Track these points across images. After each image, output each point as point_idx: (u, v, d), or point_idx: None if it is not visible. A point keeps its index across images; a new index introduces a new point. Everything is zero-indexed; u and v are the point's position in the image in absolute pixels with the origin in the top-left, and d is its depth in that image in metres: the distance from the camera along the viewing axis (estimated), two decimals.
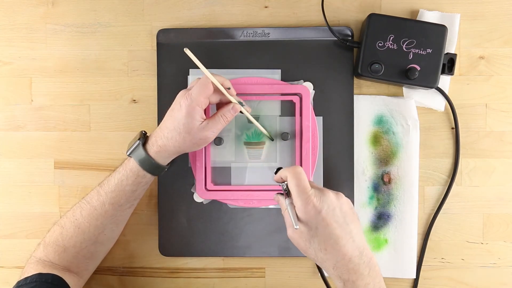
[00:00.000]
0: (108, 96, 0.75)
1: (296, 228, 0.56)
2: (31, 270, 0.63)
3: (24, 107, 0.75)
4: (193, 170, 0.72)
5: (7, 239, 0.75)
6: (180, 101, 0.62)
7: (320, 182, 0.72)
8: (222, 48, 0.73)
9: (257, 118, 0.72)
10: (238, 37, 0.73)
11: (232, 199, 0.72)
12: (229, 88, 0.65)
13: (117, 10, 0.74)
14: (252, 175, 0.72)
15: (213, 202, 0.73)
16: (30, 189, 0.75)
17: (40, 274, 0.62)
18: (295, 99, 0.71)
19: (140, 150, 0.63)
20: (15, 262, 0.75)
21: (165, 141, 0.63)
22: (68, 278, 0.63)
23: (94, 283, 0.75)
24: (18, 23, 0.75)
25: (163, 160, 0.65)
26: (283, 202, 0.59)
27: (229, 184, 0.73)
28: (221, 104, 0.66)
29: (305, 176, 0.58)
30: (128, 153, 0.65)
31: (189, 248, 0.73)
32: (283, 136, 0.71)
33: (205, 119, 0.64)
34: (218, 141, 0.72)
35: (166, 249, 0.74)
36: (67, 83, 0.75)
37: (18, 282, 0.62)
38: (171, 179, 0.73)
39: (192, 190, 0.73)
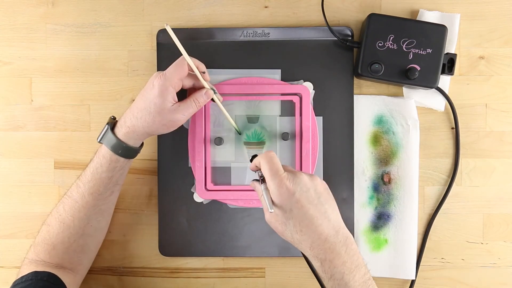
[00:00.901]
0: (108, 96, 0.75)
1: (271, 212, 0.56)
2: (26, 270, 0.63)
3: (24, 107, 0.75)
4: (193, 170, 0.72)
5: (7, 239, 0.75)
6: (153, 81, 0.63)
7: None
8: (222, 48, 0.73)
9: (257, 118, 0.72)
10: (238, 37, 0.73)
11: (232, 199, 0.72)
12: (203, 73, 0.65)
13: (117, 10, 0.75)
14: (252, 175, 0.72)
15: (213, 202, 0.73)
16: (30, 189, 0.75)
17: (35, 272, 0.62)
18: (295, 99, 0.71)
19: (109, 135, 0.63)
20: (15, 262, 0.75)
21: (134, 121, 0.63)
22: (63, 275, 0.63)
23: (94, 283, 0.75)
24: (18, 23, 0.75)
25: (133, 141, 0.64)
26: (259, 187, 0.58)
27: (229, 184, 0.73)
28: (194, 90, 0.66)
29: (277, 160, 0.57)
30: (98, 140, 0.64)
31: (189, 248, 0.73)
32: (283, 136, 0.71)
33: (176, 102, 0.63)
34: (218, 141, 0.72)
35: (166, 249, 0.74)
36: (67, 83, 0.75)
37: (14, 282, 0.62)
38: (171, 179, 0.73)
39: (192, 190, 0.73)
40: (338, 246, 0.55)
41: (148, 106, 0.62)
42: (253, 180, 0.61)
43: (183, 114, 0.64)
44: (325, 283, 0.56)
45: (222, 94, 0.71)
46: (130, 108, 0.64)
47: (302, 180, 0.56)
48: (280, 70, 0.72)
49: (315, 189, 0.57)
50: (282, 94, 0.72)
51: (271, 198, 0.56)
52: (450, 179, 0.73)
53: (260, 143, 0.72)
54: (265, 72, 0.72)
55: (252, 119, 0.72)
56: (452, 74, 0.70)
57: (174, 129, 0.65)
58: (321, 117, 0.72)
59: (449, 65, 0.70)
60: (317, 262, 0.56)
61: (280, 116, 0.73)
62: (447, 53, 0.70)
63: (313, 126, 0.71)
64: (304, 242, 0.56)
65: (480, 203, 0.74)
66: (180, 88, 0.64)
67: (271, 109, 0.72)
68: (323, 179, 0.72)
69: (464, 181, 0.74)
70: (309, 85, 0.72)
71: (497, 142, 0.73)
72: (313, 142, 0.71)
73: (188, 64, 0.63)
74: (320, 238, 0.55)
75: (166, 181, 0.73)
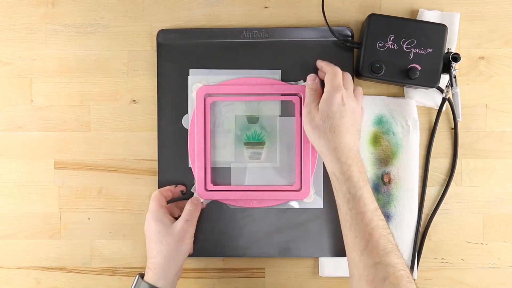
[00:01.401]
0: (108, 96, 0.75)
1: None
2: None
3: (24, 107, 0.75)
4: (193, 170, 0.72)
5: (7, 239, 0.75)
6: (145, 222, 0.68)
7: (320, 183, 0.72)
8: (222, 48, 0.73)
9: (257, 119, 0.72)
10: (238, 38, 0.73)
11: (232, 199, 0.72)
12: (182, 191, 0.72)
13: (117, 10, 0.74)
14: (252, 176, 0.72)
15: (213, 202, 0.73)
16: (30, 189, 0.75)
17: None
18: (295, 99, 0.71)
19: (140, 282, 0.65)
20: (15, 262, 0.76)
21: (155, 260, 0.66)
22: None
23: (94, 283, 0.75)
24: (18, 23, 0.75)
25: (165, 282, 0.65)
26: (311, 82, 0.68)
27: (229, 184, 0.73)
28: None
29: (341, 75, 0.67)
30: None
31: None
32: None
33: (174, 217, 0.69)
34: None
35: None
36: (67, 83, 0.75)
37: None
38: (171, 179, 0.73)
39: (192, 190, 0.73)
40: (357, 159, 0.64)
41: (156, 238, 0.66)
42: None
43: (184, 219, 0.67)
44: (341, 185, 0.63)
45: (222, 95, 0.71)
46: (147, 256, 0.67)
47: (353, 100, 0.66)
48: (280, 70, 0.72)
49: (357, 112, 0.66)
50: (282, 95, 0.72)
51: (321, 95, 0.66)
52: (448, 179, 0.73)
53: (260, 143, 0.72)
54: (265, 72, 0.72)
55: (252, 120, 0.72)
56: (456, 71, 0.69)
57: (191, 240, 0.68)
58: None
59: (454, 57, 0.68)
60: (338, 163, 0.63)
61: (280, 116, 0.73)
62: (447, 52, 0.70)
63: None
64: (331, 143, 0.63)
65: (480, 204, 0.74)
66: (166, 204, 0.69)
67: (271, 109, 0.72)
68: (323, 179, 0.72)
69: (464, 182, 0.74)
70: None
71: (497, 142, 0.73)
72: None
73: (169, 189, 0.70)
74: (346, 145, 0.63)
75: (166, 181, 0.73)
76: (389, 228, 0.61)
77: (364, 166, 0.64)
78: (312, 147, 0.71)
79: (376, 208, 0.61)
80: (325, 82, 0.66)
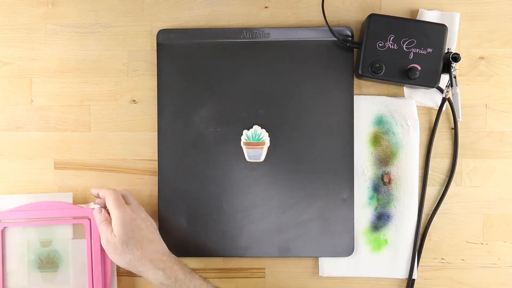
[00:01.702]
0: (108, 96, 0.75)
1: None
2: None
3: (24, 107, 0.75)
4: None
5: None
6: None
7: (320, 183, 0.72)
8: (222, 48, 0.73)
9: (50, 242, 0.73)
10: (238, 38, 0.73)
11: None
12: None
13: (117, 10, 0.74)
14: None
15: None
16: (30, 189, 0.75)
17: None
18: (85, 222, 0.72)
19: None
20: None
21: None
22: None
23: None
24: (18, 23, 0.75)
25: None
26: (100, 216, 0.68)
27: None
28: None
29: (118, 193, 0.68)
30: None
31: (189, 248, 0.73)
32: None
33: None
34: None
35: None
36: (67, 83, 0.75)
37: None
38: (171, 179, 0.73)
39: None
40: (173, 259, 0.67)
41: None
42: (94, 208, 0.69)
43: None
44: None
45: (14, 220, 0.72)
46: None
47: (141, 210, 0.69)
48: (72, 193, 0.74)
49: (148, 219, 0.69)
50: (74, 218, 0.72)
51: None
52: (448, 179, 0.73)
53: (260, 143, 0.72)
54: (57, 196, 0.74)
55: (45, 243, 0.73)
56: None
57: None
58: None
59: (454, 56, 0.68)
60: (160, 272, 0.65)
61: (72, 239, 0.73)
62: (447, 52, 0.70)
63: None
64: (145, 258, 0.65)
65: (480, 204, 0.74)
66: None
67: (63, 232, 0.73)
68: (323, 180, 0.72)
69: (464, 182, 0.74)
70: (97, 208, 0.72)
71: (497, 142, 0.73)
72: (105, 264, 0.72)
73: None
74: (158, 252, 0.66)
75: (166, 181, 0.73)
76: None
77: (180, 260, 0.67)
78: (105, 268, 0.72)
79: None
80: (109, 206, 0.67)
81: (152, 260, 0.65)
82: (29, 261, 0.73)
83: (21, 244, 0.73)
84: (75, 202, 0.74)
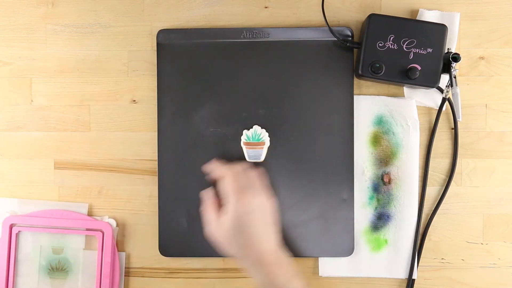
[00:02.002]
0: (108, 96, 0.75)
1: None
2: None
3: (24, 107, 0.75)
4: None
5: None
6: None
7: (320, 183, 0.72)
8: (222, 48, 0.73)
9: (61, 250, 0.74)
10: (238, 38, 0.73)
11: None
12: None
13: (117, 10, 0.75)
14: None
15: None
16: (30, 189, 0.75)
17: None
18: (98, 235, 0.73)
19: None
20: None
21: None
22: None
23: None
24: (18, 23, 0.75)
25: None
26: (210, 196, 0.66)
27: None
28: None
29: (242, 178, 0.64)
30: None
31: (189, 248, 0.73)
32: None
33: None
34: None
35: (166, 249, 0.74)
36: (67, 83, 0.75)
37: None
38: (171, 179, 0.73)
39: None
40: (279, 260, 0.62)
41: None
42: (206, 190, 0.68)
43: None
44: None
45: (28, 226, 0.73)
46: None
47: (260, 200, 0.64)
48: (87, 204, 0.74)
49: (267, 211, 0.64)
50: (87, 229, 0.73)
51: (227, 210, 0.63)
52: (448, 179, 0.73)
53: (260, 143, 0.72)
54: (72, 205, 0.74)
55: (57, 251, 0.74)
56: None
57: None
58: (124, 252, 0.74)
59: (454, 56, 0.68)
60: (260, 274, 0.62)
61: (84, 249, 0.74)
62: (447, 52, 0.70)
63: (114, 262, 0.73)
64: (249, 258, 0.62)
65: (480, 204, 0.74)
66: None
67: (75, 242, 0.74)
68: (323, 180, 0.72)
69: (464, 182, 0.74)
70: (112, 222, 0.74)
71: (497, 142, 0.73)
72: (114, 278, 0.73)
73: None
74: (264, 253, 0.62)
75: (166, 181, 0.73)
76: None
77: (288, 260, 0.63)
78: (113, 281, 0.73)
79: None
80: (224, 190, 0.64)
81: (255, 262, 0.62)
82: (40, 266, 0.74)
83: (33, 249, 0.74)
84: (76, 200, 0.74)
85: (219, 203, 0.66)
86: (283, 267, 0.62)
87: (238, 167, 0.66)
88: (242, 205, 0.62)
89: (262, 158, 0.72)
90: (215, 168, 0.67)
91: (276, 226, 0.65)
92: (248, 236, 0.62)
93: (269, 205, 0.65)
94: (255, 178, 0.66)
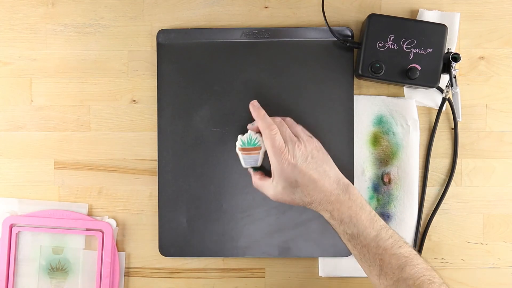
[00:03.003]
0: (108, 96, 0.75)
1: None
2: None
3: (24, 107, 0.75)
4: None
5: None
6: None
7: None
8: (222, 48, 0.73)
9: (61, 250, 0.74)
10: (238, 38, 0.73)
11: None
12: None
13: (117, 10, 0.74)
14: None
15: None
16: (30, 189, 0.75)
17: None
18: (98, 235, 0.73)
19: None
20: None
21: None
22: None
23: None
24: (18, 23, 0.75)
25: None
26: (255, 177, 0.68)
27: None
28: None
29: (279, 136, 0.64)
30: None
31: (189, 248, 0.73)
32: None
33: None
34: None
35: (166, 249, 0.74)
36: (67, 83, 0.75)
37: None
38: (171, 179, 0.73)
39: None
40: (342, 195, 0.63)
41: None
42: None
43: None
44: (337, 229, 0.64)
45: (28, 226, 0.73)
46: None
47: (300, 150, 0.64)
48: (87, 204, 0.74)
49: (312, 155, 0.65)
50: (87, 229, 0.74)
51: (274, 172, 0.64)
52: (448, 179, 0.73)
53: (256, 148, 0.70)
54: (72, 205, 0.74)
55: (57, 251, 0.74)
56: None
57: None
58: (124, 252, 0.74)
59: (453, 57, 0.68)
60: (327, 213, 0.64)
61: (84, 249, 0.74)
62: (447, 52, 0.70)
63: (114, 262, 0.73)
64: (314, 202, 0.64)
65: (480, 204, 0.74)
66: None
67: (76, 242, 0.74)
68: None
69: (464, 182, 0.74)
70: (112, 222, 0.74)
71: (497, 142, 0.73)
72: (114, 278, 0.73)
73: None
74: (326, 195, 0.63)
75: (166, 181, 0.73)
76: (397, 238, 0.61)
77: (352, 188, 0.64)
78: (113, 281, 0.73)
79: (377, 233, 0.61)
80: (268, 152, 0.65)
81: (321, 203, 0.63)
82: (40, 266, 0.74)
83: (33, 249, 0.74)
84: (76, 200, 0.74)
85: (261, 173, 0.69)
86: (349, 203, 0.63)
87: (275, 120, 0.66)
88: (286, 165, 0.63)
89: (259, 164, 0.71)
90: (257, 117, 0.66)
91: (329, 160, 0.66)
92: (306, 183, 0.63)
93: (313, 146, 0.66)
94: (292, 125, 0.67)
